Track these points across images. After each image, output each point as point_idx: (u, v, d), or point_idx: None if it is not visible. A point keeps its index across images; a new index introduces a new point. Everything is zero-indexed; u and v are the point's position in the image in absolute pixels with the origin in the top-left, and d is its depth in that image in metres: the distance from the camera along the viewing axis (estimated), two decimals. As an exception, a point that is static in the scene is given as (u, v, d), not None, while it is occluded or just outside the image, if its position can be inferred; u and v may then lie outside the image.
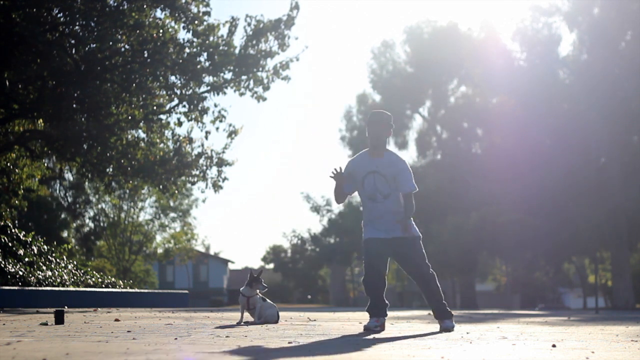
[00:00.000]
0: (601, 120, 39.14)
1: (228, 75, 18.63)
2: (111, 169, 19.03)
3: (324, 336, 5.32)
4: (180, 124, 19.21)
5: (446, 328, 6.07)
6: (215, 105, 19.00)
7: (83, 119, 17.67)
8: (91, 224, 50.81)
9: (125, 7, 16.75)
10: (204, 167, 19.20)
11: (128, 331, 5.62)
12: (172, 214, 51.50)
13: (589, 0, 40.53)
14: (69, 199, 48.47)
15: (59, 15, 16.74)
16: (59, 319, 6.61)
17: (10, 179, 19.45)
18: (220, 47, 18.02)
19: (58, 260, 17.13)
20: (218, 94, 18.66)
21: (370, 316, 6.18)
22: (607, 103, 38.79)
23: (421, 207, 51.32)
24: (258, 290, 7.00)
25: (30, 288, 14.05)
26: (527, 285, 62.19)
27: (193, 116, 18.74)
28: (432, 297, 6.16)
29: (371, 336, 5.32)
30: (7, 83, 16.88)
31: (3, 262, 14.36)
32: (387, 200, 5.95)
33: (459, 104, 48.37)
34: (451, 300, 59.52)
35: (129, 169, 18.57)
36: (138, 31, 16.89)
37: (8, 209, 19.38)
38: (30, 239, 16.78)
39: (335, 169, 6.00)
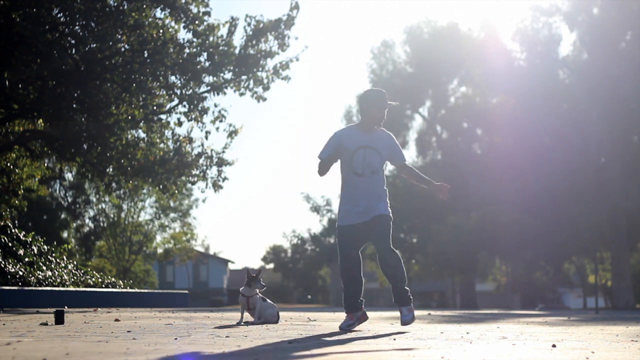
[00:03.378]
0: (601, 120, 39.14)
1: (228, 75, 18.64)
2: (111, 169, 19.03)
3: (324, 336, 5.32)
4: (180, 124, 19.22)
5: (403, 321, 6.08)
6: (215, 105, 19.02)
7: (83, 119, 17.67)
8: (91, 224, 50.83)
9: (125, 7, 16.75)
10: (204, 167, 19.20)
11: (128, 331, 5.62)
12: (172, 214, 51.51)
13: (589, 0, 40.53)
14: (69, 199, 48.49)
15: (59, 15, 16.73)
16: (59, 319, 6.61)
17: (10, 179, 19.44)
18: (220, 47, 18.02)
19: (58, 260, 17.14)
20: (218, 94, 18.66)
21: (346, 313, 6.14)
22: (607, 103, 38.79)
23: (421, 207, 51.44)
24: (257, 290, 7.00)
25: (30, 288, 14.06)
26: (527, 285, 62.09)
27: (193, 116, 18.74)
28: (393, 282, 6.11)
29: (371, 336, 5.32)
30: (7, 83, 16.88)
31: (3, 262, 14.37)
32: (374, 176, 5.95)
33: (459, 104, 48.39)
34: (451, 300, 59.54)
35: (129, 169, 18.57)
36: (138, 31, 16.89)
37: (8, 209, 19.37)
38: (30, 239, 16.78)
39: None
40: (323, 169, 6.07)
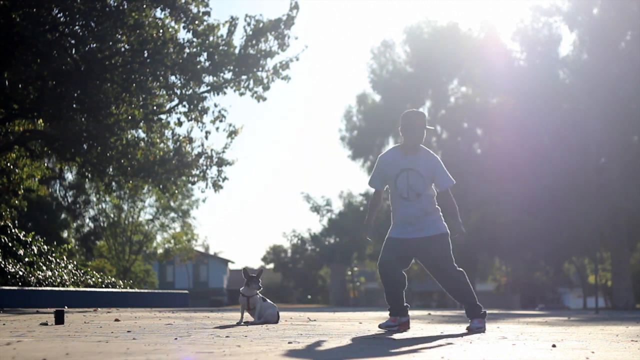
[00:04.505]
0: (601, 120, 39.14)
1: (228, 75, 18.63)
2: (111, 169, 19.03)
3: (324, 336, 5.32)
4: (180, 124, 19.21)
5: (471, 329, 6.01)
6: (215, 105, 19.01)
7: (83, 119, 17.67)
8: (91, 224, 50.84)
9: (125, 7, 16.74)
10: (204, 167, 19.19)
11: (128, 331, 5.62)
12: (172, 214, 51.51)
13: (589, 0, 40.54)
14: (69, 199, 48.48)
15: (59, 15, 16.73)
16: (59, 319, 6.61)
17: (10, 179, 19.44)
18: (220, 47, 18.02)
19: (58, 260, 17.14)
20: (218, 94, 18.66)
21: (389, 315, 6.16)
22: (607, 103, 38.79)
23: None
24: (257, 290, 7.01)
25: (30, 288, 14.06)
26: (527, 285, 62.12)
27: (193, 116, 18.73)
28: (461, 296, 6.07)
29: (371, 336, 5.32)
30: (7, 83, 16.88)
31: (3, 262, 14.37)
32: (420, 198, 5.90)
33: (459, 104, 48.39)
34: (451, 300, 59.50)
35: (129, 169, 18.57)
36: (138, 31, 16.89)
37: (8, 209, 19.37)
38: (30, 239, 16.79)
39: (367, 239, 6.18)
40: (377, 198, 6.17)
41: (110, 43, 16.72)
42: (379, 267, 6.05)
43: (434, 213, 5.98)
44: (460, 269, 6.06)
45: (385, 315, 12.71)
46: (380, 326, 6.15)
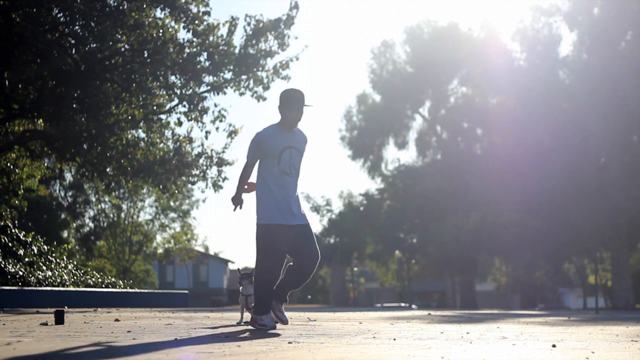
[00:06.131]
0: (601, 120, 39.14)
1: (228, 75, 18.62)
2: (111, 169, 19.02)
3: (324, 336, 5.32)
4: (180, 124, 19.20)
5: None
6: (215, 105, 19.00)
7: (83, 119, 17.66)
8: (91, 224, 50.81)
9: (125, 7, 16.74)
10: (204, 167, 19.19)
11: (128, 331, 5.62)
12: (172, 214, 51.50)
13: (589, 0, 40.54)
14: (69, 199, 48.47)
15: (59, 15, 16.72)
16: (59, 319, 6.61)
17: (10, 179, 19.44)
18: (220, 47, 18.01)
19: (58, 260, 17.14)
20: (218, 93, 18.65)
21: (261, 313, 5.98)
22: (607, 103, 38.79)
23: (421, 207, 51.31)
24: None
25: (30, 288, 14.06)
26: (527, 285, 62.18)
27: (193, 116, 18.72)
28: (291, 287, 6.15)
29: (371, 336, 5.32)
30: (7, 83, 16.87)
31: (3, 262, 14.37)
32: (297, 175, 6.05)
33: (459, 104, 48.37)
34: (451, 300, 59.48)
35: (129, 169, 18.57)
36: (138, 31, 16.88)
37: (8, 209, 19.37)
38: (30, 239, 16.79)
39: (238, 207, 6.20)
40: (247, 171, 6.15)
41: (110, 43, 16.71)
42: (272, 260, 5.89)
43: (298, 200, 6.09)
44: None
45: (385, 315, 12.71)
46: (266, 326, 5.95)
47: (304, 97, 6.00)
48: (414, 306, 47.39)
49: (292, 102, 5.92)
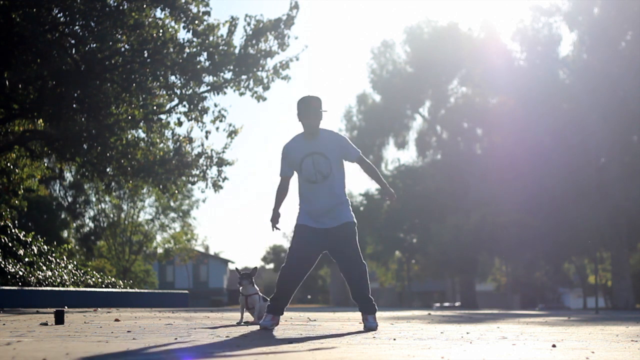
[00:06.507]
0: (601, 120, 39.14)
1: (228, 75, 18.62)
2: (111, 169, 19.02)
3: (324, 336, 5.31)
4: (180, 123, 19.21)
5: (370, 327, 6.05)
6: (215, 105, 19.00)
7: (83, 119, 17.66)
8: (91, 224, 50.79)
9: (125, 7, 16.74)
10: (204, 167, 19.19)
11: (128, 331, 5.62)
12: (172, 214, 51.49)
13: (589, 0, 40.53)
14: (69, 199, 48.46)
15: (59, 15, 16.72)
16: (59, 319, 6.61)
17: (10, 179, 19.44)
18: (220, 47, 18.01)
19: (58, 260, 17.14)
20: (218, 93, 18.65)
21: (267, 311, 6.08)
22: (607, 103, 38.79)
23: (421, 207, 51.29)
24: (257, 289, 7.01)
25: (30, 288, 14.06)
26: (527, 285, 62.17)
27: (193, 116, 18.73)
28: (360, 291, 6.09)
29: (371, 336, 5.32)
30: (7, 83, 16.87)
31: (3, 262, 14.37)
32: (327, 180, 5.92)
33: (459, 104, 48.38)
34: (451, 300, 59.54)
35: (129, 169, 18.57)
36: (138, 31, 16.88)
37: (8, 209, 19.37)
38: (30, 239, 16.78)
39: (276, 227, 6.08)
40: (280, 186, 6.11)
41: (110, 43, 16.71)
42: (289, 258, 5.94)
43: (345, 202, 6.01)
44: (365, 262, 6.13)
45: (384, 315, 12.70)
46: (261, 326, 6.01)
47: (319, 102, 5.93)
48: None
49: (304, 109, 5.89)
